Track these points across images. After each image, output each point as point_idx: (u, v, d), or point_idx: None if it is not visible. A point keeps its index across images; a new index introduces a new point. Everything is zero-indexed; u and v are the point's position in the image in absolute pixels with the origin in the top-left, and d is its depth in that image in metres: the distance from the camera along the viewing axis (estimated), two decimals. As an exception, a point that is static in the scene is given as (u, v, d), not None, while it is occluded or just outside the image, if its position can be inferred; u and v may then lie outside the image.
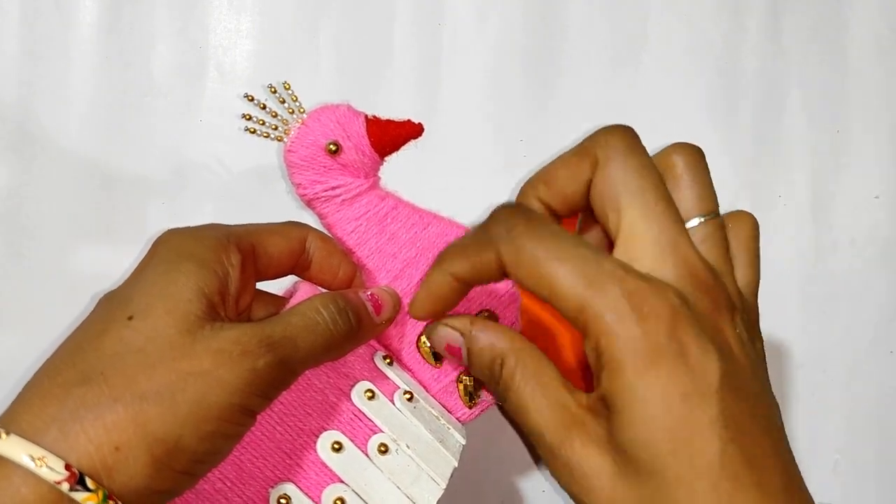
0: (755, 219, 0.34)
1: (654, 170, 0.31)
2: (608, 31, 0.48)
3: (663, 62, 0.48)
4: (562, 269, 0.27)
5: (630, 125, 0.33)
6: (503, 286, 0.36)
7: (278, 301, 0.34)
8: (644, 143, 0.49)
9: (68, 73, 0.46)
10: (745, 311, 0.30)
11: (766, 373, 0.31)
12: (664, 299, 0.26)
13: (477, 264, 0.30)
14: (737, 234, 0.33)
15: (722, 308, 0.28)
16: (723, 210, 0.50)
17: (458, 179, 0.47)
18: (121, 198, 0.45)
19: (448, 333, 0.32)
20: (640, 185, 0.30)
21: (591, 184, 0.31)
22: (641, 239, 0.29)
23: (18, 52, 0.46)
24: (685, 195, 0.31)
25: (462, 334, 0.32)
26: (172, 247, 0.30)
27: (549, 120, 0.47)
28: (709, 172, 0.33)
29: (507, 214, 0.30)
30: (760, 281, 0.33)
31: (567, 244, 0.28)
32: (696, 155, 0.32)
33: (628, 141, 0.31)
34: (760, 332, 0.32)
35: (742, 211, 0.34)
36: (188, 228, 0.31)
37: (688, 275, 0.28)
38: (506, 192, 0.47)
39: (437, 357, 0.35)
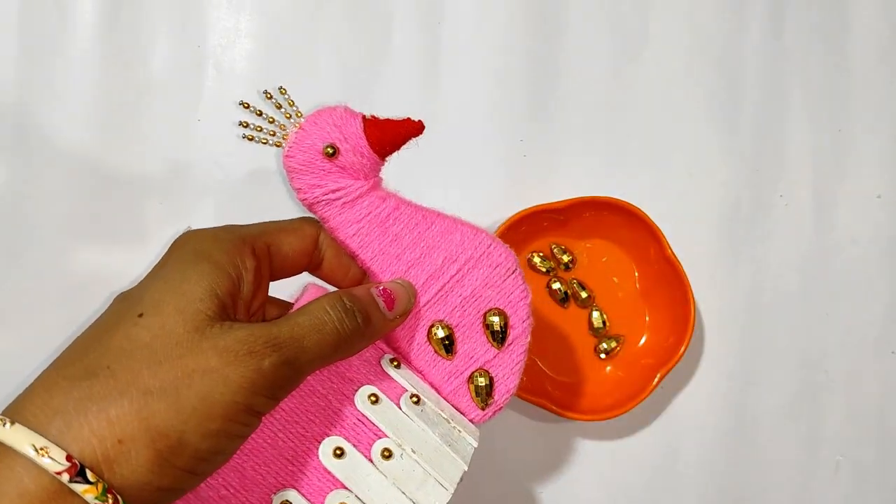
0: None
1: None
2: (608, 30, 0.48)
3: (664, 62, 0.48)
4: None
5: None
6: (513, 285, 0.35)
7: (291, 306, 0.34)
8: (644, 142, 0.50)
9: (67, 73, 0.45)
10: None
11: None
12: None
13: None
14: None
15: None
16: (723, 208, 0.49)
17: (458, 179, 0.47)
18: (119, 197, 0.45)
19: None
20: None
21: None
22: None
23: (17, 51, 0.45)
24: None
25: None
26: (189, 248, 0.30)
27: (549, 120, 0.47)
28: None
29: None
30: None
31: None
32: None
33: None
34: None
35: None
36: (207, 230, 0.31)
37: None
38: (506, 192, 0.47)
39: (449, 348, 0.34)
